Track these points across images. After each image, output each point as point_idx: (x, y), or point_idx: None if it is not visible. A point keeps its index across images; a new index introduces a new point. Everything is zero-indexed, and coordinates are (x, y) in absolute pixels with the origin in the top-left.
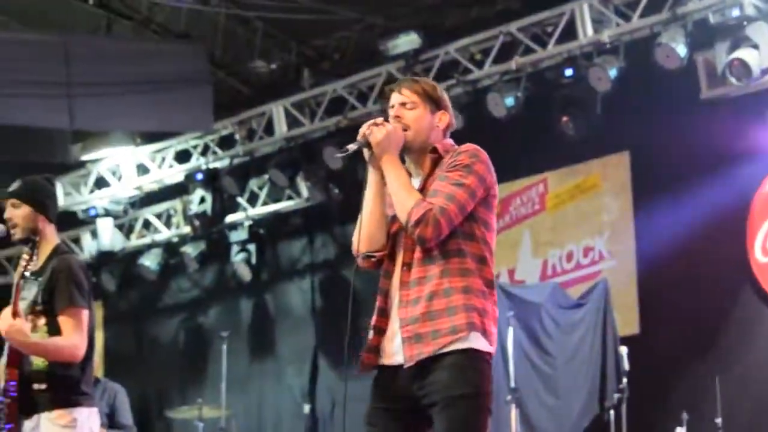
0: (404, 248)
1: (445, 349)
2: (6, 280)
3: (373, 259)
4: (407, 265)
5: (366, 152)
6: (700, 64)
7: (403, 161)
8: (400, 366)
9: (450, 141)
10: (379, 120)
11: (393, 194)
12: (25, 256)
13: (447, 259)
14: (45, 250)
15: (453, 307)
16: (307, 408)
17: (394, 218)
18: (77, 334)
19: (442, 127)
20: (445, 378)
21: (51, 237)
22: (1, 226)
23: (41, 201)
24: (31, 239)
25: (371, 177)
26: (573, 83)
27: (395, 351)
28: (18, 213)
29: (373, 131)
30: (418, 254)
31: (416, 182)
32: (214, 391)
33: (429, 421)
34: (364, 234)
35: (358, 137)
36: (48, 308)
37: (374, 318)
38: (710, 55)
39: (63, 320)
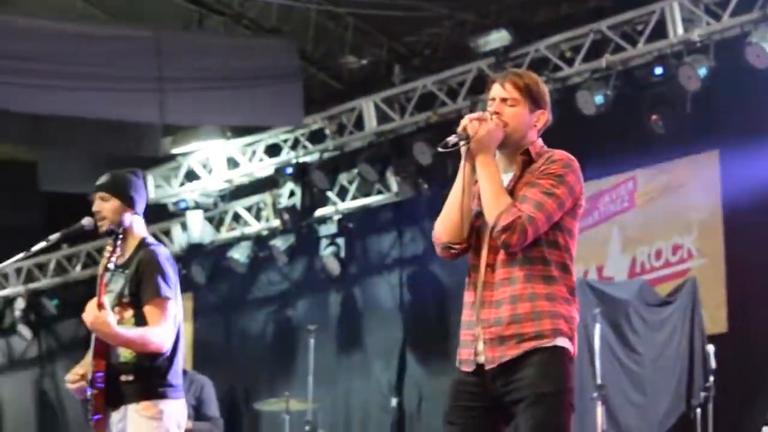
0: (488, 248)
1: (527, 351)
2: (94, 272)
3: (452, 251)
4: (491, 267)
5: (463, 146)
6: None
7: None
8: (482, 365)
9: (541, 142)
10: (483, 115)
11: (484, 194)
12: (109, 248)
13: (531, 265)
14: (132, 243)
15: (538, 312)
16: (394, 402)
17: (480, 213)
18: (163, 325)
19: (539, 127)
20: (531, 375)
21: (138, 230)
22: (88, 219)
23: (129, 194)
24: (115, 232)
25: (463, 169)
26: (663, 82)
27: (478, 351)
28: (107, 206)
29: (475, 126)
30: (502, 256)
31: (505, 178)
32: (301, 384)
33: (508, 419)
34: (447, 225)
35: (459, 129)
36: (135, 300)
37: (465, 312)
38: None
39: (149, 311)
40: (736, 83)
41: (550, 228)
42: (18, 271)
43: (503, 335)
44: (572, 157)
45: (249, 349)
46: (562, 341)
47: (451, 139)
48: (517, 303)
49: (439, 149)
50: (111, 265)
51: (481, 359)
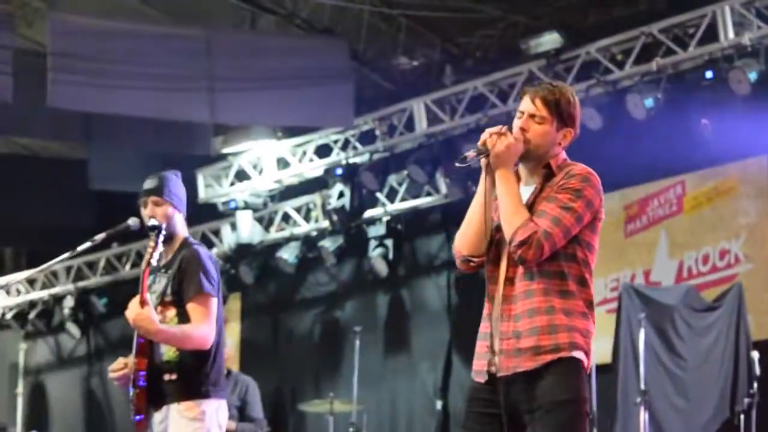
0: (507, 261)
1: (544, 364)
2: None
3: (472, 264)
4: (510, 280)
5: (483, 159)
6: None
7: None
8: (494, 375)
9: (563, 156)
10: (503, 129)
11: (502, 208)
12: (151, 243)
13: (549, 279)
14: (175, 243)
15: (555, 326)
16: (439, 404)
17: (500, 227)
18: (206, 322)
19: (564, 145)
20: (547, 384)
21: (182, 230)
22: (134, 219)
23: (180, 198)
24: (158, 227)
25: (483, 182)
26: (713, 85)
27: (492, 362)
28: (160, 211)
29: (495, 141)
30: (521, 270)
31: (525, 191)
32: (346, 386)
33: (522, 429)
34: (467, 238)
35: (479, 143)
36: (177, 299)
37: (482, 325)
38: None
39: (191, 308)
40: None
41: (569, 242)
42: (67, 269)
43: (520, 348)
44: (591, 171)
45: (296, 349)
46: (577, 354)
47: (470, 153)
48: (534, 317)
49: (457, 164)
50: (154, 262)
51: (494, 369)
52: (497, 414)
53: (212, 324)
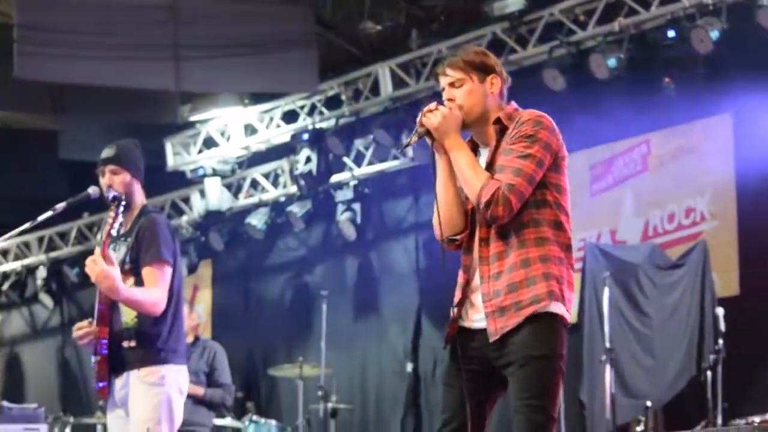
0: (479, 224)
1: (527, 317)
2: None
3: (457, 242)
4: (484, 241)
5: (428, 140)
6: None
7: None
8: (479, 330)
9: (513, 106)
10: (432, 105)
11: (460, 176)
12: (111, 214)
13: (522, 230)
14: (134, 211)
15: (532, 277)
16: (409, 366)
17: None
18: (158, 289)
19: (496, 92)
20: (523, 339)
21: (140, 199)
22: (94, 188)
23: (137, 165)
24: (118, 198)
25: (439, 163)
26: (675, 45)
27: (477, 318)
28: (117, 179)
29: (429, 117)
30: (493, 228)
31: (485, 154)
32: (316, 350)
33: (504, 383)
34: (444, 220)
35: (417, 127)
36: (135, 267)
37: (457, 293)
38: None
39: (146, 273)
40: (749, 46)
41: (536, 188)
42: (39, 240)
43: (502, 306)
44: (542, 114)
45: (267, 314)
46: (556, 307)
47: (411, 138)
48: (512, 272)
49: (399, 151)
50: (114, 233)
51: (480, 325)
52: (476, 369)
53: (165, 290)
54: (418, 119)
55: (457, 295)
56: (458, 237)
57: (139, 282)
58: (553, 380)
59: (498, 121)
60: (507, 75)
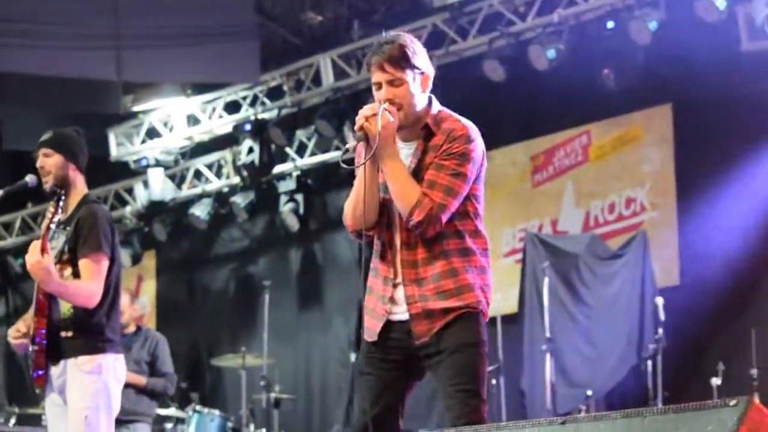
0: (402, 228)
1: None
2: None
3: (368, 236)
4: (406, 245)
5: (363, 144)
6: (740, 17)
7: None
8: (399, 322)
9: (437, 109)
10: (369, 109)
11: (394, 187)
12: (51, 209)
13: (446, 239)
14: (74, 199)
15: (460, 287)
16: (353, 357)
17: (386, 188)
18: (94, 280)
19: (425, 89)
20: (452, 331)
21: (80, 187)
22: (31, 176)
23: (72, 150)
24: (57, 193)
25: (364, 160)
26: (614, 36)
27: (398, 311)
28: (50, 161)
29: (370, 123)
30: (416, 235)
31: (404, 148)
32: (260, 340)
33: (421, 373)
34: (357, 215)
35: (356, 129)
36: (73, 257)
37: (376, 285)
38: (750, 7)
39: (83, 264)
40: (687, 37)
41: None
42: None
43: (430, 309)
44: (471, 126)
45: (211, 305)
46: (480, 306)
47: (351, 144)
48: (440, 281)
49: (342, 162)
50: (53, 227)
51: (400, 317)
52: (394, 359)
53: (101, 282)
54: (357, 122)
55: (381, 289)
56: (369, 232)
57: (77, 272)
58: (483, 365)
59: (426, 126)
60: (433, 68)
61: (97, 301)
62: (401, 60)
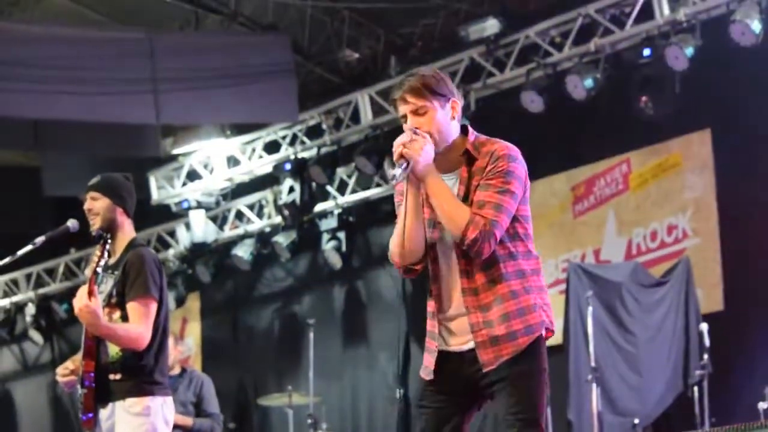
0: (458, 255)
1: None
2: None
3: (415, 270)
4: (465, 272)
5: (404, 171)
6: None
7: None
8: (458, 353)
9: (475, 135)
10: (407, 136)
11: (442, 210)
12: (98, 252)
13: (502, 262)
14: (121, 243)
15: (523, 308)
16: (399, 392)
17: (436, 223)
18: (142, 323)
19: (456, 116)
20: (515, 356)
21: (128, 231)
22: (73, 221)
23: (120, 194)
24: (103, 237)
25: (409, 192)
26: (651, 63)
27: (455, 343)
28: (98, 204)
29: (411, 149)
30: (475, 261)
31: (450, 183)
32: (306, 378)
33: (480, 403)
34: (403, 250)
35: (395, 158)
36: (122, 300)
37: (429, 323)
38: None
39: (131, 307)
40: (724, 61)
41: (511, 222)
42: (27, 276)
43: (496, 335)
44: (511, 146)
45: (256, 345)
46: (543, 329)
47: (396, 171)
48: (502, 304)
49: (392, 182)
50: (99, 270)
51: (460, 348)
52: (453, 391)
53: (149, 325)
54: (396, 151)
55: (432, 325)
56: (417, 267)
57: (126, 315)
58: (542, 394)
59: (466, 152)
60: (461, 98)
61: (146, 344)
62: (422, 89)
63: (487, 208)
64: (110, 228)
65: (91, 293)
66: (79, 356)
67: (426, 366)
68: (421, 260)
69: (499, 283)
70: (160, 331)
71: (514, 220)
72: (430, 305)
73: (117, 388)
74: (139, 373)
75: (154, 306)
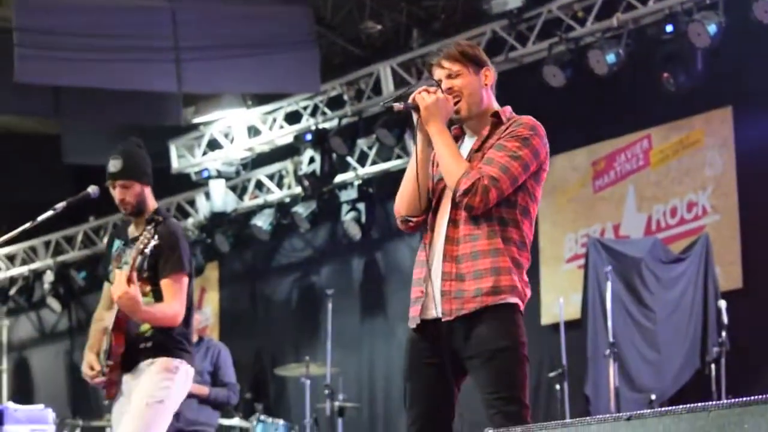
0: (452, 205)
1: (487, 305)
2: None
3: (410, 224)
4: (453, 222)
5: (415, 116)
6: None
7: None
8: (438, 320)
9: (509, 109)
10: (432, 88)
11: (441, 161)
12: (147, 235)
13: (492, 223)
14: (145, 215)
15: (497, 268)
16: None
17: (441, 179)
18: (177, 300)
19: (489, 83)
20: (485, 332)
21: (151, 203)
22: (94, 187)
23: (144, 171)
24: (155, 219)
25: (418, 142)
26: (673, 39)
27: (434, 305)
28: (130, 193)
29: (423, 96)
30: (464, 213)
31: (470, 143)
32: (323, 349)
33: (464, 372)
34: (405, 198)
35: (409, 100)
36: (153, 275)
37: (416, 270)
38: None
39: (166, 284)
40: (746, 39)
41: (516, 190)
42: (46, 244)
43: (462, 288)
44: (538, 123)
45: (274, 315)
46: (514, 299)
47: (397, 104)
48: (477, 259)
49: (381, 104)
50: (147, 251)
51: (431, 314)
52: (435, 363)
53: (183, 301)
54: (413, 94)
55: (419, 272)
56: (413, 219)
57: (157, 290)
58: (520, 369)
59: (496, 115)
60: (495, 72)
61: (181, 320)
62: (457, 54)
63: (492, 166)
64: (141, 208)
65: (130, 280)
66: (92, 341)
67: (411, 316)
68: (420, 215)
69: (482, 240)
70: (187, 304)
71: (519, 191)
72: (420, 254)
73: (146, 354)
74: (170, 340)
75: (186, 281)
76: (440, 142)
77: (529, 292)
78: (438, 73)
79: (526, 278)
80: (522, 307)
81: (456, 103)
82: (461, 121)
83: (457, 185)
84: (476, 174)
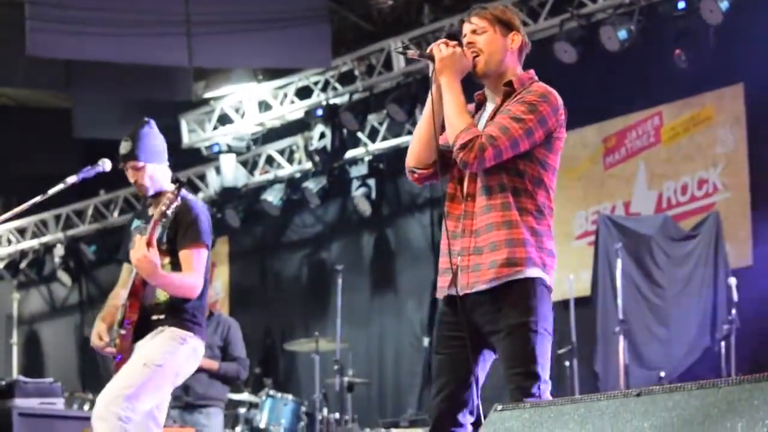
0: (468, 178)
1: (504, 280)
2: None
3: (415, 175)
4: (470, 196)
5: (430, 66)
6: None
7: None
8: (454, 296)
9: (529, 74)
10: (452, 42)
11: (446, 113)
12: (170, 196)
13: (506, 194)
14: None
15: (512, 239)
16: (426, 341)
17: None
18: (196, 272)
19: (516, 48)
20: (504, 307)
21: (166, 182)
22: (105, 160)
23: (157, 151)
24: (180, 181)
25: (431, 94)
26: (685, 16)
27: (456, 281)
28: (142, 175)
29: (440, 48)
30: (479, 185)
31: (489, 110)
32: (333, 325)
33: (491, 346)
34: (413, 149)
35: (427, 50)
36: (171, 248)
37: (443, 242)
38: None
39: (184, 256)
40: (758, 16)
41: (523, 159)
42: (57, 217)
43: (479, 262)
44: (551, 90)
45: (284, 290)
46: (533, 272)
47: (411, 51)
48: (491, 231)
49: (395, 49)
50: (169, 213)
51: (454, 291)
52: (461, 336)
53: (201, 273)
54: (431, 45)
55: (445, 245)
56: (418, 171)
57: (175, 262)
58: (538, 344)
59: (509, 83)
60: (528, 40)
61: (199, 292)
62: (486, 12)
63: (492, 126)
64: (158, 188)
65: (149, 244)
66: (105, 312)
67: (440, 287)
68: (426, 167)
69: (496, 211)
70: (205, 277)
71: (526, 158)
72: (449, 224)
73: (158, 324)
74: (183, 313)
75: (205, 254)
76: (448, 95)
77: (551, 262)
78: (465, 28)
79: (549, 246)
80: (547, 280)
81: (474, 59)
82: (478, 78)
83: (456, 139)
84: (476, 131)
